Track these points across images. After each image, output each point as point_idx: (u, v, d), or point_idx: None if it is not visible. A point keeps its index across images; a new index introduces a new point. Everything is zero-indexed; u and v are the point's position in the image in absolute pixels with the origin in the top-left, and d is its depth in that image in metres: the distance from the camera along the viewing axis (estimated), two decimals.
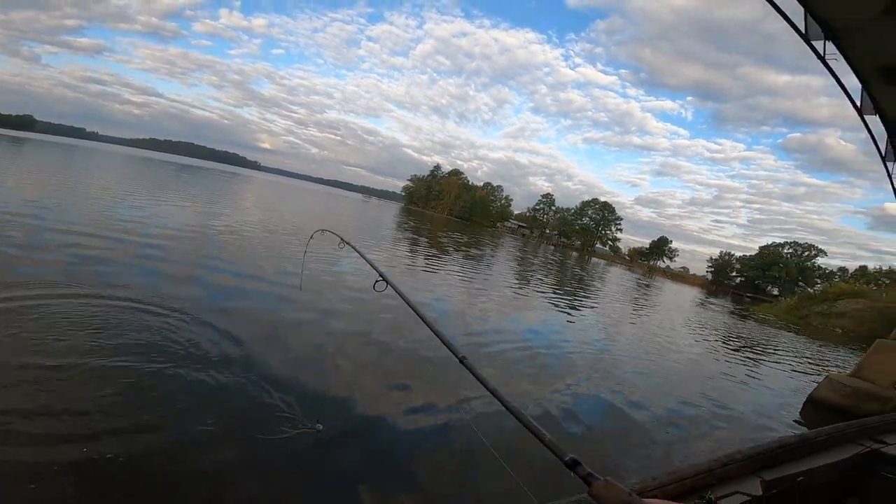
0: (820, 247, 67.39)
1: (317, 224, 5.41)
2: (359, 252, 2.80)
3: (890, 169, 9.81)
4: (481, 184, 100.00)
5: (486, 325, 8.23)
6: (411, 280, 11.21)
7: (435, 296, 9.89)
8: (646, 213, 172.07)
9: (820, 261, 65.89)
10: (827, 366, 13.47)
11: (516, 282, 16.71)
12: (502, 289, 13.66)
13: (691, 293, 44.21)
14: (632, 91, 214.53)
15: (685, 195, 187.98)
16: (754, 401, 7.46)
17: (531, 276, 20.44)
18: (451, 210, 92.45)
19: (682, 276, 79.56)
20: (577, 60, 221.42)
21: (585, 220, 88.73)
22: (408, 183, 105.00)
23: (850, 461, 2.43)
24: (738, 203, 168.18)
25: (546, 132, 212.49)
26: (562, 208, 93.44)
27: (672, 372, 8.30)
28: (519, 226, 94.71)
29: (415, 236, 25.38)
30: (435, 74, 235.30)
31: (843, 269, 63.47)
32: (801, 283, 62.82)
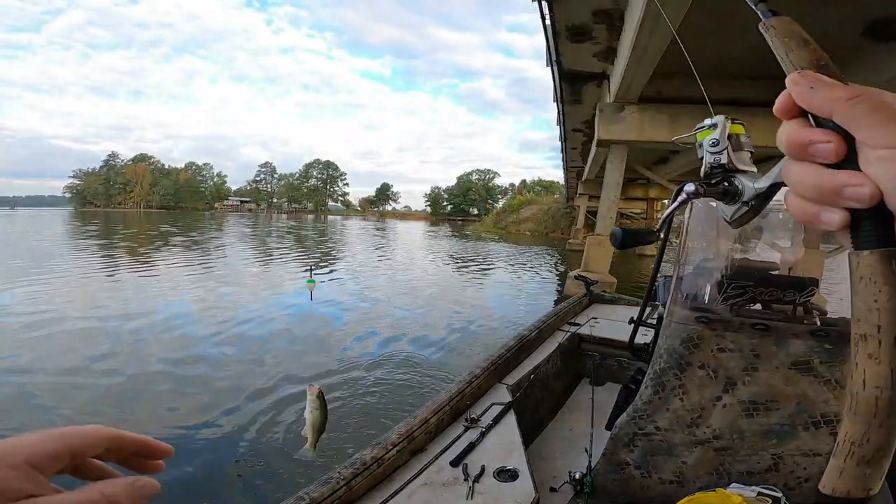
0: (494, 170, 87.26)
1: None
2: None
3: (560, 107, 12.96)
4: (181, 165, 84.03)
5: (253, 312, 7.35)
6: (125, 296, 8.33)
7: (170, 301, 7.92)
8: (364, 165, 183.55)
9: (497, 181, 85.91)
10: (542, 265, 17.89)
11: (259, 259, 15.38)
12: (247, 270, 12.34)
13: (419, 227, 50.90)
14: (337, 52, 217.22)
15: (394, 143, 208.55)
16: (527, 308, 9.06)
17: (273, 249, 19.05)
18: (148, 202, 75.16)
19: (408, 215, 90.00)
20: (281, 25, 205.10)
21: (312, 181, 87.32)
22: (73, 181, 79.01)
23: (562, 348, 2.79)
24: (434, 144, 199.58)
25: (252, 100, 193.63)
26: (286, 174, 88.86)
27: (441, 300, 9.21)
28: (242, 202, 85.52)
29: (107, 243, 18.76)
30: (88, 49, 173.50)
31: (512, 185, 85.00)
32: (489, 201, 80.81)
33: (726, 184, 0.46)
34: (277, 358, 5.18)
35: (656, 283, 2.07)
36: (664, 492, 1.54)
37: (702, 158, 0.56)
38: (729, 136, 0.55)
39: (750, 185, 0.42)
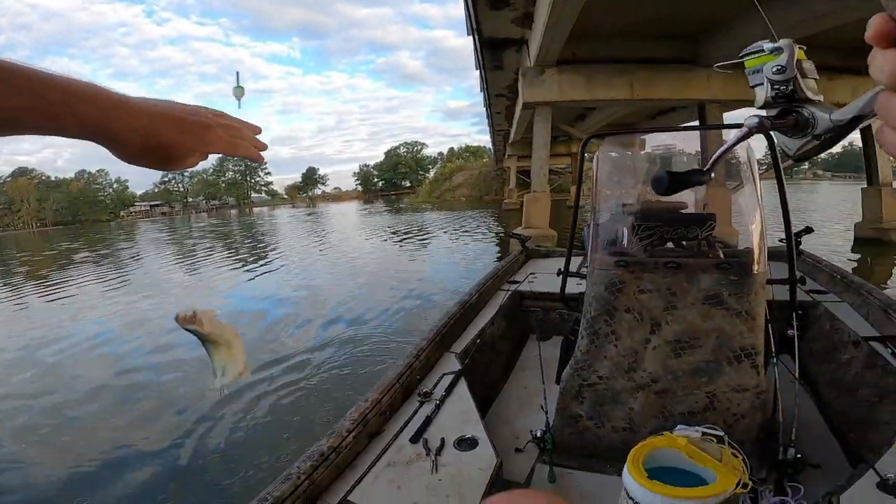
0: (422, 141, 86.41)
1: None
2: None
3: (483, 74, 13.12)
4: (71, 175, 74.57)
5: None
6: (38, 322, 7.20)
7: (84, 325, 7.07)
8: (285, 151, 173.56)
9: (425, 151, 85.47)
10: (480, 227, 18.34)
11: (185, 264, 14.26)
12: (169, 278, 11.45)
13: (353, 207, 49.59)
14: (237, 38, 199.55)
15: (313, 126, 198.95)
16: (473, 270, 9.10)
17: (197, 251, 17.63)
18: (41, 220, 66.36)
19: (340, 196, 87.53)
20: (165, 15, 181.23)
21: (229, 175, 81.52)
22: None
23: (504, 308, 2.75)
24: (356, 122, 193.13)
25: (142, 97, 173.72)
26: (198, 171, 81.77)
27: (384, 276, 9.19)
28: (152, 206, 78.05)
29: (2, 271, 16.49)
30: None
31: (441, 154, 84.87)
32: (420, 172, 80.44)
33: (795, 115, 0.42)
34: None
35: (582, 233, 2.07)
36: (619, 440, 1.57)
37: (754, 87, 0.51)
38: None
39: (825, 117, 0.39)
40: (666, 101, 9.82)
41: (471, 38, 10.30)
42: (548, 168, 11.07)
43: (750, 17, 7.44)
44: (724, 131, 1.88)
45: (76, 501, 2.77)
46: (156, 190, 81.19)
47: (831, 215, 16.83)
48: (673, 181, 0.59)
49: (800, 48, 0.49)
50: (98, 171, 75.47)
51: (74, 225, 61.92)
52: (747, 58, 0.52)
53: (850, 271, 2.74)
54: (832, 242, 10.27)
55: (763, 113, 0.49)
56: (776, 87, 0.47)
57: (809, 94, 0.46)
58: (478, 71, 13.34)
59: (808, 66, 0.48)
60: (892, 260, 8.88)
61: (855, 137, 12.01)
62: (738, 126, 1.72)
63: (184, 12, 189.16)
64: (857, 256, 9.14)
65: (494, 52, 11.04)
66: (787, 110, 0.44)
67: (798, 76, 0.47)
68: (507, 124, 22.51)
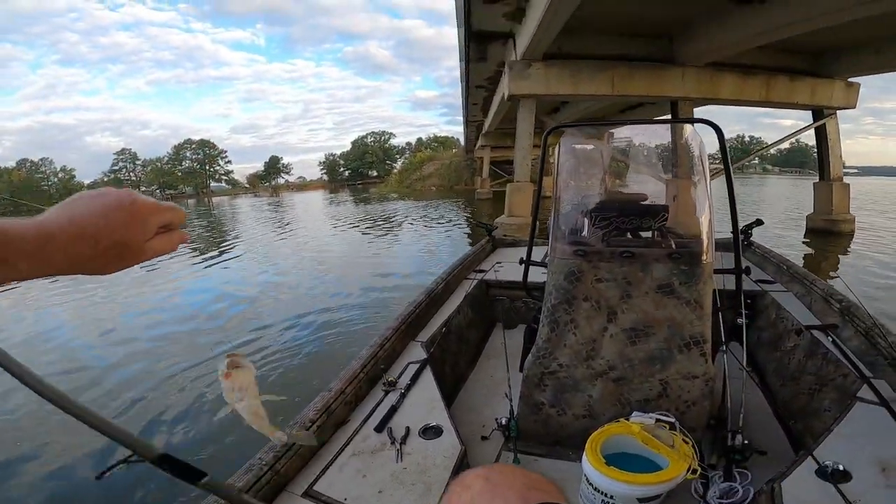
0: (389, 131, 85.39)
1: None
2: None
3: (465, 65, 13.36)
4: (12, 164, 69.31)
5: (148, 323, 6.25)
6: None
7: (45, 315, 6.73)
8: (247, 140, 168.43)
9: (393, 141, 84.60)
10: (454, 217, 18.27)
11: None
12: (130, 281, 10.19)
13: (317, 196, 48.16)
14: (197, 25, 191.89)
15: (277, 114, 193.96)
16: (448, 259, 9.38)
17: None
18: None
19: (304, 185, 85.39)
20: (120, 0, 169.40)
21: (186, 163, 77.70)
22: None
23: (470, 297, 2.73)
24: (323, 111, 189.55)
25: (90, 83, 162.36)
26: (151, 160, 77.61)
27: (352, 265, 9.30)
28: None
29: None
30: None
31: (409, 143, 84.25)
32: (388, 162, 79.68)
33: None
34: (185, 349, 5.01)
35: (548, 222, 2.08)
36: (580, 427, 1.57)
37: None
38: None
39: None
40: (643, 97, 10.40)
41: (455, 29, 10.53)
42: (530, 159, 11.46)
43: (724, 20, 8.07)
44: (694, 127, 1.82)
45: None
46: (105, 179, 76.38)
47: (783, 206, 17.98)
48: None
49: None
50: (41, 159, 70.55)
51: (17, 216, 57.64)
52: None
53: (802, 259, 2.66)
54: (783, 234, 10.98)
55: None
56: None
57: None
58: (461, 63, 13.59)
59: None
60: (840, 248, 9.61)
61: (802, 136, 12.92)
62: (701, 121, 1.76)
63: None
64: (809, 245, 9.85)
65: (480, 45, 11.31)
66: None
67: None
68: (482, 115, 22.85)
